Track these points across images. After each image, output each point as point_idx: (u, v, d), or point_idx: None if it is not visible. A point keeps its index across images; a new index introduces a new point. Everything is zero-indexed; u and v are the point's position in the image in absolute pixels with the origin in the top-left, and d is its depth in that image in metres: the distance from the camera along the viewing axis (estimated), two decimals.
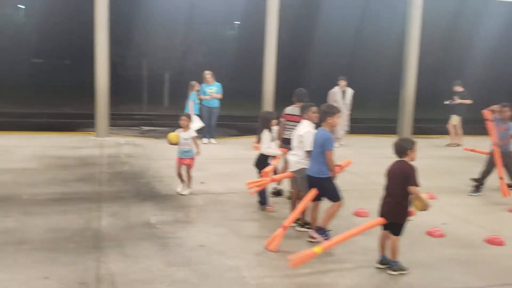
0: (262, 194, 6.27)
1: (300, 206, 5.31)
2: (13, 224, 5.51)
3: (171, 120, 18.12)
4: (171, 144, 7.06)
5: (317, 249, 4.51)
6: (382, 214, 4.60)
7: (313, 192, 5.25)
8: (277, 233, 4.96)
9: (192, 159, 7.14)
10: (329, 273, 4.58)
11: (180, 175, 7.15)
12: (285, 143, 6.49)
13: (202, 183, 7.73)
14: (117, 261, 4.57)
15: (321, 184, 5.22)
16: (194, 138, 7.13)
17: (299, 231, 5.58)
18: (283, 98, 12.06)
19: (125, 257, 4.69)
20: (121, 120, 16.07)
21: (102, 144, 11.20)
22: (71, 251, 4.77)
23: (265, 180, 5.90)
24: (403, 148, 4.53)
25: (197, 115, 11.52)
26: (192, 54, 25.10)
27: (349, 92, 12.42)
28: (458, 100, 12.49)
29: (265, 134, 6.26)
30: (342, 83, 12.56)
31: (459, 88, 12.60)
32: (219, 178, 7.99)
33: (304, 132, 5.43)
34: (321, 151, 5.14)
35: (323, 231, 5.19)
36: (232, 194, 7.16)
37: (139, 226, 5.64)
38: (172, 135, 7.01)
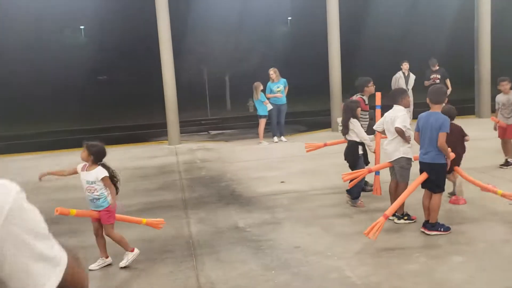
0: (354, 189, 5.97)
1: (403, 195, 5.00)
2: (108, 238, 5.60)
3: (235, 122, 18.35)
4: None
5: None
6: None
7: (421, 179, 4.96)
8: (377, 221, 4.66)
9: (108, 211, 4.61)
10: (439, 267, 4.26)
11: (97, 238, 4.76)
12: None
13: (282, 182, 7.58)
14: (214, 268, 4.49)
15: (435, 170, 4.92)
16: (104, 180, 4.55)
17: (397, 223, 5.28)
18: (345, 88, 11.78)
19: (222, 263, 4.61)
20: (189, 126, 16.35)
21: (176, 152, 11.37)
22: (167, 261, 4.76)
23: (362, 171, 5.65)
24: None
25: (264, 115, 11.43)
26: (249, 55, 25.13)
27: (412, 77, 11.98)
28: None
29: (355, 123, 6.00)
30: (405, 66, 12.05)
31: None
32: (299, 176, 7.80)
33: (401, 114, 5.21)
34: (437, 134, 4.82)
35: (437, 225, 4.94)
36: (316, 191, 6.95)
37: (228, 230, 5.57)
38: None
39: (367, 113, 6.82)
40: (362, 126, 6.18)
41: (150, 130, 16.82)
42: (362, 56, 27.43)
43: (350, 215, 5.81)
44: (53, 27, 29.67)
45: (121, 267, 4.63)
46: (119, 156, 11.42)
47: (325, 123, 13.68)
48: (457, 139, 5.60)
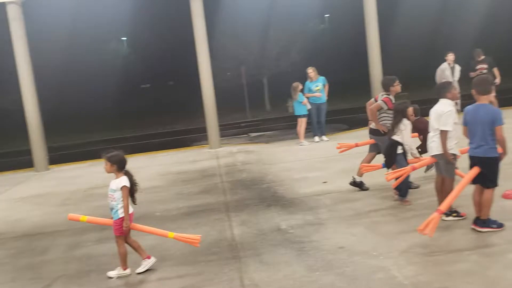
0: (402, 186, 5.82)
1: (457, 190, 4.82)
2: (153, 241, 5.70)
3: (275, 123, 18.33)
4: None
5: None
6: None
7: (473, 174, 4.79)
8: (431, 217, 4.50)
9: (121, 221, 4.64)
10: (493, 265, 4.08)
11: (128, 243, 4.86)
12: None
13: (325, 182, 7.50)
14: (258, 270, 4.49)
15: (488, 164, 4.74)
16: (123, 190, 4.62)
17: (445, 220, 5.10)
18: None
19: (265, 265, 4.60)
20: (228, 130, 16.47)
21: (217, 155, 11.47)
22: (212, 263, 4.80)
23: (405, 170, 5.51)
24: None
25: (304, 115, 11.36)
26: (286, 54, 25.04)
27: (457, 68, 11.57)
28: None
29: (408, 126, 5.95)
30: (450, 57, 11.65)
31: None
32: (341, 176, 7.68)
33: (447, 111, 5.04)
34: (489, 128, 4.66)
35: (488, 222, 4.77)
36: (359, 191, 6.82)
37: (271, 232, 5.55)
38: None
39: (392, 112, 6.68)
40: (386, 125, 6.34)
41: (192, 135, 17.07)
42: (401, 50, 26.83)
43: (395, 214, 5.67)
44: (98, 39, 30.69)
45: (109, 277, 4.69)
46: (163, 161, 11.65)
47: (366, 121, 13.41)
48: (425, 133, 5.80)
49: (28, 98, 12.26)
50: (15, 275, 5.12)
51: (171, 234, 4.80)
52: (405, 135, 5.96)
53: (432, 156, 5.28)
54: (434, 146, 5.20)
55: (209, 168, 9.99)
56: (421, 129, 6.35)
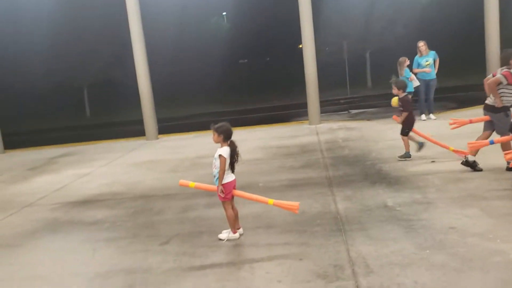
0: None
1: None
2: (260, 209, 5.91)
3: (377, 100, 17.77)
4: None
5: None
6: None
7: None
8: None
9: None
10: None
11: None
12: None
13: (433, 161, 7.20)
14: (365, 244, 4.48)
15: None
16: (220, 158, 4.81)
17: None
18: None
19: (372, 240, 4.58)
20: (328, 106, 16.31)
21: (317, 131, 11.46)
22: (317, 234, 4.88)
23: None
24: None
25: (409, 92, 10.87)
26: (391, 29, 23.91)
27: None
28: None
29: None
30: None
31: None
32: (452, 155, 7.31)
33: None
34: None
35: None
36: (471, 171, 6.45)
37: (376, 208, 5.48)
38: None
39: None
40: (505, 102, 5.99)
41: (291, 111, 17.17)
42: None
43: None
44: (198, 15, 31.66)
45: (219, 238, 4.94)
46: (262, 135, 11.91)
47: (478, 99, 12.54)
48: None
49: (141, 72, 13.12)
50: (135, 231, 5.62)
51: (271, 200, 4.94)
52: None
53: None
54: None
55: (309, 144, 10.03)
56: None
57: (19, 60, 22.10)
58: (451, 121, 7.01)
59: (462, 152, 6.91)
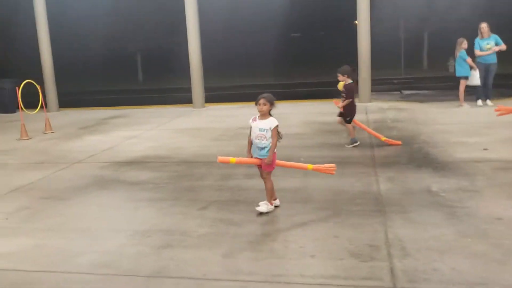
0: None
1: None
2: (298, 184, 5.91)
3: (432, 82, 17.09)
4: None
5: None
6: None
7: None
8: None
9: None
10: None
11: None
12: None
13: (485, 149, 6.89)
14: (403, 227, 4.38)
15: None
16: (275, 129, 4.82)
17: None
18: None
19: (412, 223, 4.47)
20: (379, 85, 15.84)
21: (366, 110, 11.21)
22: (355, 213, 4.81)
23: None
24: None
25: (465, 76, 10.39)
26: (455, 8, 22.67)
27: None
28: None
29: None
30: None
31: None
32: (506, 144, 6.98)
33: None
34: None
35: None
36: None
37: (419, 192, 5.34)
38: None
39: None
40: None
41: None
42: None
43: None
44: None
45: (259, 212, 4.88)
46: (307, 110, 11.79)
47: None
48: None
49: (192, 41, 13.24)
50: (176, 194, 5.75)
51: (310, 166, 5.04)
52: None
53: None
54: None
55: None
56: None
57: (78, 25, 22.80)
58: (497, 108, 6.65)
59: (394, 143, 7.51)
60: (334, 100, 8.00)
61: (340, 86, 7.70)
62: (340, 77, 7.68)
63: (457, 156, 6.66)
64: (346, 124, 7.86)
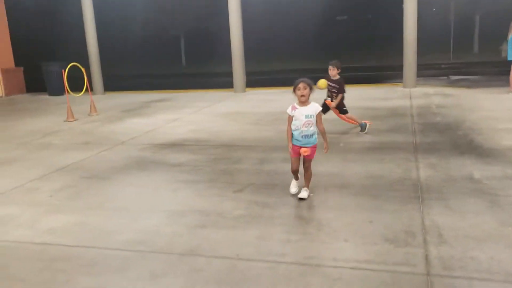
0: None
1: None
2: (335, 169, 5.84)
3: (482, 67, 16.38)
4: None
5: None
6: None
7: None
8: None
9: (314, 147, 4.82)
10: None
11: (295, 171, 4.96)
12: None
13: None
14: (442, 214, 4.26)
15: None
16: (320, 114, 4.78)
17: None
18: None
19: (450, 210, 4.33)
20: (426, 70, 15.35)
21: (410, 95, 10.91)
22: (392, 199, 4.72)
23: None
24: None
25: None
26: None
27: None
28: None
29: None
30: None
31: None
32: None
33: None
34: None
35: None
36: None
37: (461, 180, 5.16)
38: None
39: None
40: None
41: (384, 72, 16.44)
42: None
43: None
44: None
45: (300, 198, 4.82)
46: (352, 95, 11.56)
47: None
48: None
49: (234, 25, 13.23)
50: (213, 176, 5.82)
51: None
52: None
53: None
54: None
55: (400, 107, 9.60)
56: None
57: (123, 9, 23.31)
58: None
59: (354, 122, 7.79)
60: (327, 100, 7.65)
61: (323, 83, 6.63)
62: (332, 71, 7.43)
63: (504, 144, 6.38)
64: (345, 116, 7.78)
